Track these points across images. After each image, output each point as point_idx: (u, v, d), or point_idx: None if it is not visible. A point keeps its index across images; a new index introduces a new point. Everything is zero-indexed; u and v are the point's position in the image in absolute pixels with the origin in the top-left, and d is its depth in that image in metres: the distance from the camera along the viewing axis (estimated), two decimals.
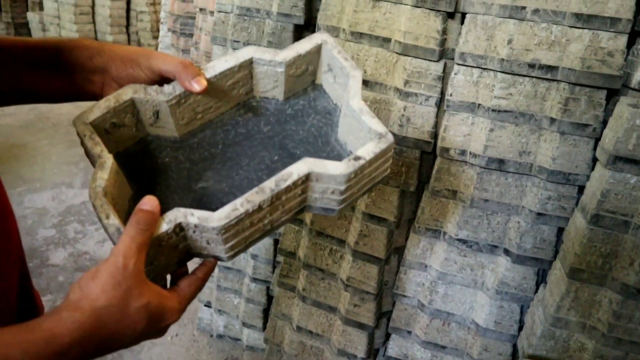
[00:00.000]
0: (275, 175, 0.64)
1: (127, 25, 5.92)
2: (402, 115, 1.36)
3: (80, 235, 3.09)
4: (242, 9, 1.70)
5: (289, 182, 0.63)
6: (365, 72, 1.39)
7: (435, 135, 1.38)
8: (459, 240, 1.38)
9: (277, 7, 1.63)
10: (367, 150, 0.67)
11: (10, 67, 0.70)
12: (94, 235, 3.09)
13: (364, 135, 0.71)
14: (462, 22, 1.33)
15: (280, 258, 1.76)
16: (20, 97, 0.74)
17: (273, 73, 0.77)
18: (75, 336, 0.50)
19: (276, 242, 1.80)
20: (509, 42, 1.22)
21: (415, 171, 1.40)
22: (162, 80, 0.72)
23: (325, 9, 1.47)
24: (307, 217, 1.60)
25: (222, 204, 0.62)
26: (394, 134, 1.38)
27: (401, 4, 1.34)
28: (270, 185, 0.63)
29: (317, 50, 0.78)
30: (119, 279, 0.53)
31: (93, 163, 0.67)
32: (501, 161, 1.29)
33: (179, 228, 0.61)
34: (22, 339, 0.47)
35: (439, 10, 1.30)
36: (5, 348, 0.46)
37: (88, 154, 0.68)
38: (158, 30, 5.47)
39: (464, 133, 1.32)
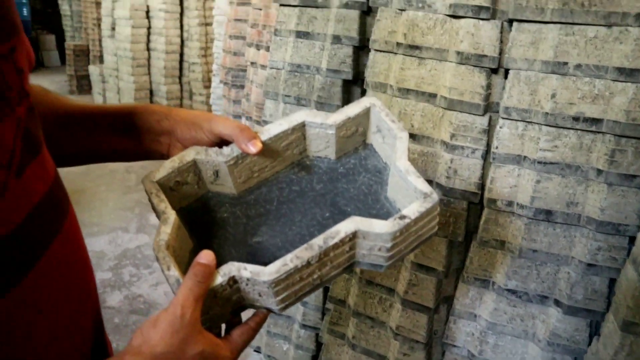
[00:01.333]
0: (323, 233, 0.67)
1: (180, 76, 6.21)
2: (449, 167, 1.40)
3: (135, 279, 3.20)
4: (293, 66, 1.80)
5: (336, 240, 0.66)
6: (412, 126, 1.45)
7: (482, 187, 1.41)
8: (508, 290, 1.39)
9: (326, 63, 1.71)
10: (412, 209, 0.70)
11: (93, 131, 0.78)
12: (148, 278, 3.20)
13: (410, 194, 0.73)
14: (505, 77, 1.37)
15: (329, 305, 1.79)
16: (99, 157, 0.82)
17: (324, 135, 0.81)
18: None
19: (326, 289, 1.84)
20: (553, 96, 1.25)
21: (462, 222, 1.43)
22: (222, 142, 0.78)
23: (372, 67, 1.54)
24: None
25: (276, 258, 0.66)
26: (441, 186, 1.42)
27: (446, 61, 1.40)
28: (318, 243, 0.66)
29: (366, 112, 0.82)
30: (176, 327, 0.58)
31: (158, 217, 0.72)
32: (549, 212, 1.30)
33: (233, 281, 0.65)
34: None
35: (483, 67, 1.35)
36: None
37: (154, 209, 0.74)
38: (209, 80, 5.72)
39: (511, 184, 1.34)
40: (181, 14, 6.05)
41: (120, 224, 3.93)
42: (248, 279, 0.65)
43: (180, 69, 6.19)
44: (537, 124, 1.30)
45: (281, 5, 1.88)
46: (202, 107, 5.88)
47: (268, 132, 0.79)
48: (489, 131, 1.39)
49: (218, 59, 3.93)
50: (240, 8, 3.33)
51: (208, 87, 5.73)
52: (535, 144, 1.30)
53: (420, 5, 1.43)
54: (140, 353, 0.57)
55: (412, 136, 1.45)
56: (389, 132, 0.80)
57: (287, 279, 0.65)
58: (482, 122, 1.38)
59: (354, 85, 1.76)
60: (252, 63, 2.89)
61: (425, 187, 0.72)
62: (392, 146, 0.79)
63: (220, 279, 0.64)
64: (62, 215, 0.59)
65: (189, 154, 0.77)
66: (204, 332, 0.62)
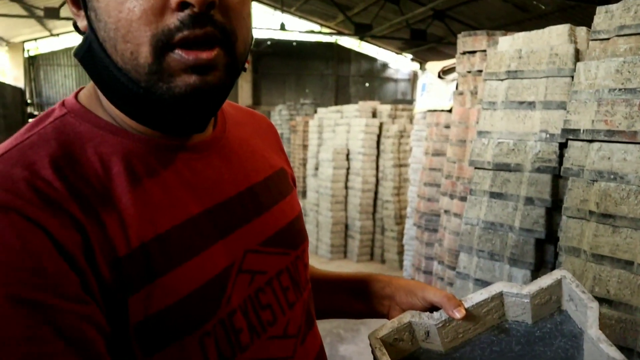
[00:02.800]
0: None
1: (374, 212, 6.65)
2: None
3: None
4: (487, 223, 1.96)
5: None
6: (608, 292, 1.48)
7: None
8: None
9: (519, 222, 1.85)
10: None
11: (335, 294, 1.03)
12: None
13: None
14: None
15: None
16: (336, 314, 1.06)
17: (520, 302, 0.94)
18: None
19: None
20: None
21: None
22: (432, 307, 0.96)
23: (566, 232, 1.64)
24: None
25: None
26: None
27: None
28: None
29: (558, 283, 0.93)
30: None
31: None
32: None
33: None
34: None
35: None
36: None
37: None
38: (401, 217, 6.04)
39: None
40: (377, 156, 6.64)
41: None
42: None
43: (374, 205, 6.65)
44: None
45: (476, 168, 2.09)
46: (393, 243, 6.17)
47: (471, 300, 0.94)
48: None
49: (412, 202, 4.22)
50: (435, 158, 3.63)
51: (399, 223, 6.04)
52: None
53: (612, 177, 1.53)
54: None
55: (609, 302, 1.48)
56: (580, 301, 0.89)
57: None
58: None
59: (547, 243, 1.85)
60: (445, 211, 3.09)
61: (617, 355, 0.79)
62: (584, 314, 0.88)
63: None
64: None
65: (406, 317, 0.96)
66: None
